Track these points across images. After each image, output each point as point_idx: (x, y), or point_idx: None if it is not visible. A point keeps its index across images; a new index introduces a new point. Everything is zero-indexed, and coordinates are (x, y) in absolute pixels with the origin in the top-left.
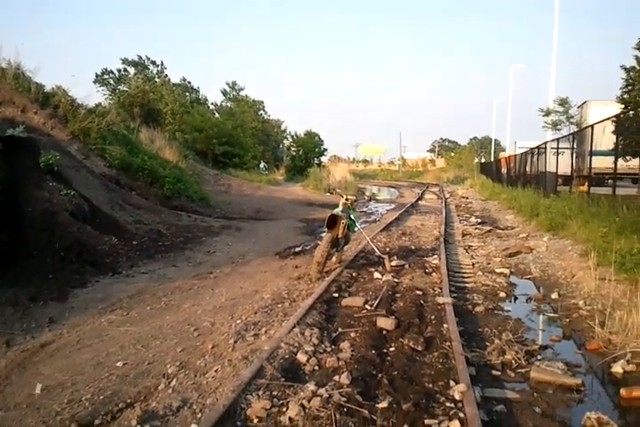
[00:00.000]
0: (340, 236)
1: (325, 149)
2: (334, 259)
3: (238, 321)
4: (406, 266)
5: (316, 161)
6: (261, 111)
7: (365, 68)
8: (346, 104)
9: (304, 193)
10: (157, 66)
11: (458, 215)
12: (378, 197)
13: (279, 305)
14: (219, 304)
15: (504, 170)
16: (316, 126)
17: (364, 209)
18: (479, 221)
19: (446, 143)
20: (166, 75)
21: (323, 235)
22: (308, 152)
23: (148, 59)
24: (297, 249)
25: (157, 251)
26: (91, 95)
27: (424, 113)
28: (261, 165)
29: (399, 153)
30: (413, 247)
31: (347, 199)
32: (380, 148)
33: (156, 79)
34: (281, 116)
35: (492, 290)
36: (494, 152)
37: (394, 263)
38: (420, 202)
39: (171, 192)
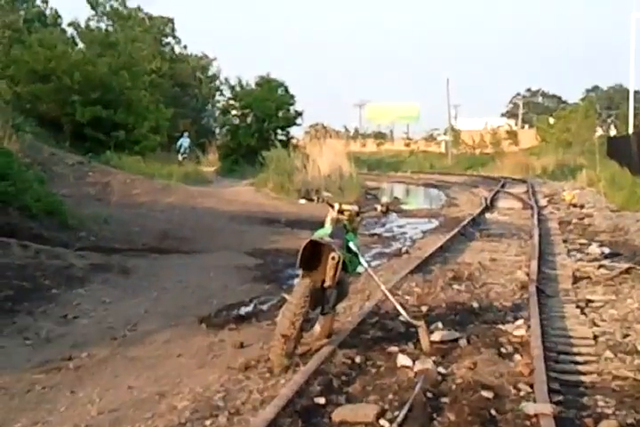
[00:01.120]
0: (328, 283)
1: (299, 114)
2: (318, 328)
3: None
4: (462, 342)
5: (281, 136)
6: (170, 39)
7: None
8: (337, 33)
9: (257, 199)
10: None
11: (564, 241)
12: (405, 207)
13: (207, 423)
14: (84, 423)
15: None
16: (282, 73)
17: (378, 230)
18: (607, 251)
19: (538, 99)
20: None
21: (295, 282)
22: (265, 119)
23: None
24: (242, 310)
25: None
26: None
27: (492, 45)
28: (182, 142)
29: (446, 120)
30: (476, 305)
31: (341, 211)
32: (410, 107)
33: None
34: (209, 51)
35: (633, 388)
36: (635, 117)
37: (436, 337)
38: (488, 215)
39: None
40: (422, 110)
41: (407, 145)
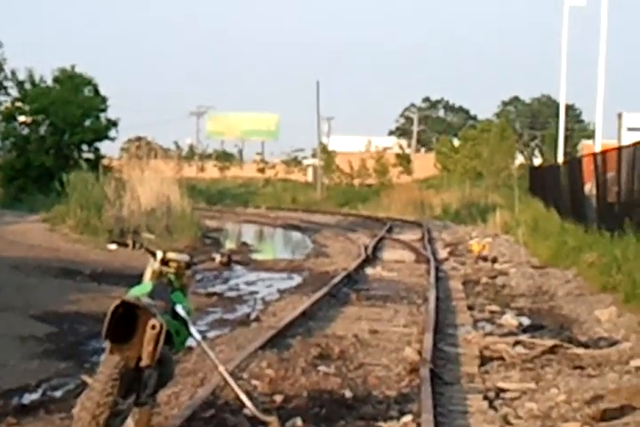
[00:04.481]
0: (145, 362)
1: (114, 124)
2: (131, 425)
3: None
4: None
5: (87, 153)
6: None
7: None
8: (166, 19)
9: (52, 242)
10: None
11: (470, 307)
12: (256, 256)
13: None
14: None
15: (590, 188)
16: (91, 68)
17: (219, 288)
18: (526, 323)
19: (439, 112)
20: None
21: (100, 359)
22: (66, 129)
23: None
24: (27, 398)
25: None
26: None
27: (376, 41)
28: None
29: (315, 137)
30: (349, 394)
31: (166, 262)
32: (267, 118)
33: None
34: None
35: None
36: (566, 140)
37: None
38: (369, 270)
39: None
40: (282, 124)
41: (261, 171)
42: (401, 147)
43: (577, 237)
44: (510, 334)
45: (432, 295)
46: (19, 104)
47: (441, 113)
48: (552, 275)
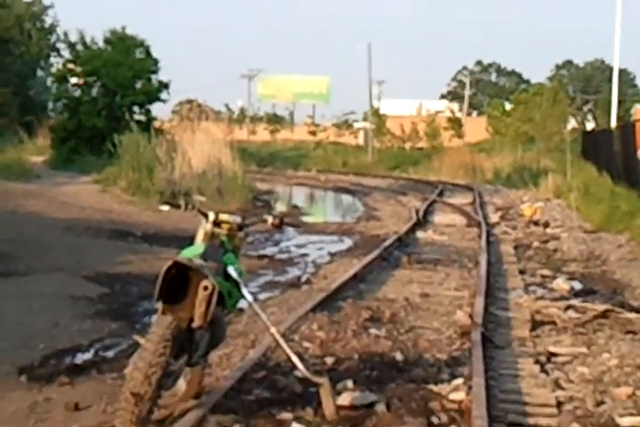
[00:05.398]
0: (197, 323)
1: (165, 86)
2: (182, 385)
3: None
4: (379, 407)
5: (139, 115)
6: None
7: None
8: None
9: (104, 203)
10: None
11: (521, 271)
12: (307, 219)
13: None
14: None
15: None
16: (141, 29)
17: (269, 250)
18: (577, 287)
19: (491, 76)
20: None
21: (152, 320)
22: (118, 91)
23: None
24: (79, 358)
25: None
26: None
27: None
28: None
29: (366, 101)
30: (399, 357)
31: (218, 223)
32: (318, 81)
33: None
34: None
35: None
36: (620, 104)
37: (345, 399)
38: (420, 233)
39: None
40: (334, 87)
41: (312, 133)
42: (452, 111)
43: (630, 201)
44: (562, 298)
45: (483, 259)
46: (71, 66)
47: (493, 77)
48: (604, 240)
